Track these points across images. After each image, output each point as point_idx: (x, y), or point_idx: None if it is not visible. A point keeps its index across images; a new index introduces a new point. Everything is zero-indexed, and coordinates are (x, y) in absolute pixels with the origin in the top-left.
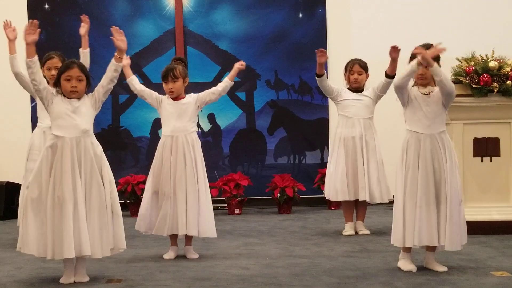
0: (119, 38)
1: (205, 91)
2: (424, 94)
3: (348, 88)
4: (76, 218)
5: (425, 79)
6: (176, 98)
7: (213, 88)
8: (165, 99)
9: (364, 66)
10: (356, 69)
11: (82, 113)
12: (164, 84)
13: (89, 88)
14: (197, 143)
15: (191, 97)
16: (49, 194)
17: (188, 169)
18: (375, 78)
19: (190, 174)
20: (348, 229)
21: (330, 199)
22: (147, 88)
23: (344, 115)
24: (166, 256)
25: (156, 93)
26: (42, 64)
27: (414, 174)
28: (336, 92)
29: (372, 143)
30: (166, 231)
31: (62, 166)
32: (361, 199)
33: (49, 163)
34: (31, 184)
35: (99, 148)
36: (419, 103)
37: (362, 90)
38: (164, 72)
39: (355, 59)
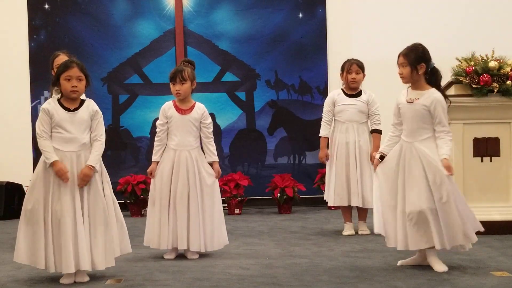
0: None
1: (209, 127)
2: (408, 102)
3: (343, 90)
4: (74, 233)
5: (403, 78)
6: (184, 111)
7: (210, 137)
8: (173, 111)
9: (361, 66)
10: (354, 69)
11: (81, 124)
12: (171, 85)
13: (89, 87)
14: (201, 157)
15: (198, 112)
16: (48, 207)
17: (191, 184)
18: (374, 78)
19: (193, 189)
20: (347, 229)
21: (327, 204)
22: (160, 128)
23: (339, 120)
24: (166, 256)
25: (162, 116)
26: (51, 63)
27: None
28: (332, 107)
29: (366, 147)
30: (167, 245)
31: (61, 180)
32: (353, 204)
33: (46, 177)
34: (27, 196)
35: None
36: (404, 111)
37: (359, 93)
38: (172, 73)
39: (352, 59)
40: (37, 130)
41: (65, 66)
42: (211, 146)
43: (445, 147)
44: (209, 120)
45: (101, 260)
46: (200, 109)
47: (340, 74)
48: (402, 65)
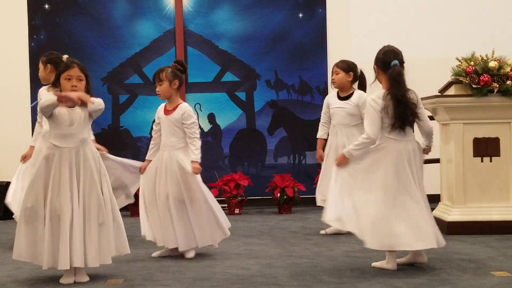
0: (68, 100)
1: (191, 127)
2: None
3: (338, 92)
4: (71, 230)
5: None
6: (168, 112)
7: (193, 136)
8: (162, 113)
9: (341, 66)
10: (334, 70)
11: (81, 121)
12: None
13: (88, 87)
14: (183, 157)
15: (179, 113)
16: (47, 204)
17: (169, 184)
18: (374, 78)
19: (172, 189)
20: (330, 229)
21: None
22: (154, 128)
23: (332, 123)
24: (154, 254)
25: (156, 117)
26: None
27: None
28: (327, 109)
29: None
30: (159, 242)
31: (60, 176)
32: None
33: (45, 174)
34: (26, 193)
35: (97, 155)
36: None
37: (350, 95)
38: (152, 75)
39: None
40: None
41: (65, 66)
42: (193, 146)
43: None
44: (191, 120)
45: (94, 257)
46: (181, 109)
47: None
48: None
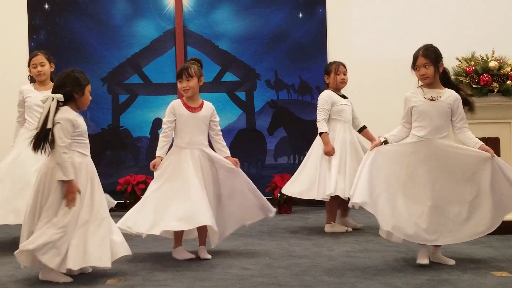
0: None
1: (218, 125)
2: (431, 99)
3: (333, 91)
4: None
5: (427, 78)
6: (194, 109)
7: (220, 133)
8: (183, 109)
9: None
10: (342, 70)
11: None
12: (178, 83)
13: None
14: (214, 153)
15: (208, 111)
16: (84, 212)
17: (214, 181)
18: (374, 77)
19: (217, 185)
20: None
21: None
22: (168, 124)
23: (341, 120)
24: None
25: (170, 114)
26: (28, 63)
27: None
28: (331, 105)
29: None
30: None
31: (93, 184)
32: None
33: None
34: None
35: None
36: (426, 109)
37: (343, 95)
38: (178, 71)
39: (338, 61)
40: (61, 143)
41: (88, 80)
42: (223, 142)
43: (474, 136)
44: (218, 118)
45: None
46: (209, 107)
47: (326, 75)
48: (426, 65)
